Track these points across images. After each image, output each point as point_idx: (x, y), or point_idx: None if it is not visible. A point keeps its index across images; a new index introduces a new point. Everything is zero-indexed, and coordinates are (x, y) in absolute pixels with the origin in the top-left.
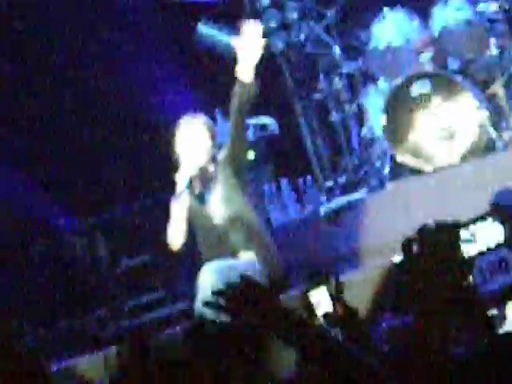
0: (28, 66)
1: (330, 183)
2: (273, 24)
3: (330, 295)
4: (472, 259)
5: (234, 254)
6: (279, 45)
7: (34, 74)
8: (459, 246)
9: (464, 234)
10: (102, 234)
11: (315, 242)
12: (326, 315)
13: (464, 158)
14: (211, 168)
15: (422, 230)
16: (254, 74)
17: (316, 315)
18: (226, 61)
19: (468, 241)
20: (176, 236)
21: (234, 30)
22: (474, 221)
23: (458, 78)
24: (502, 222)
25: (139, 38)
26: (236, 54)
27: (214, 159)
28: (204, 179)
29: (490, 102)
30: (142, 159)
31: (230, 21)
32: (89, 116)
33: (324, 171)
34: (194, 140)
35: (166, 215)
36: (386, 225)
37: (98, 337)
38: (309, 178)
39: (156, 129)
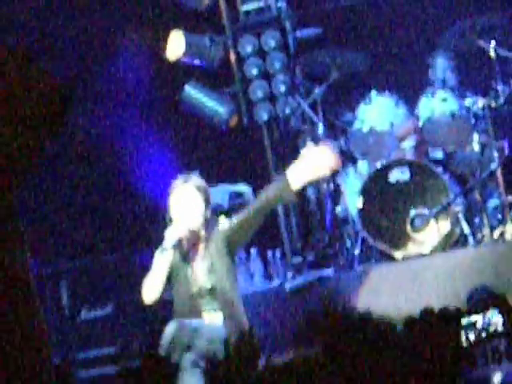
0: None
1: (298, 259)
2: (260, 94)
3: None
4: (470, 347)
5: (202, 315)
6: (263, 115)
7: None
8: (459, 332)
9: (465, 320)
10: (64, 282)
11: (278, 316)
12: None
13: (435, 250)
14: (202, 231)
15: (425, 313)
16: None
17: None
18: (211, 125)
19: (468, 327)
20: (152, 289)
21: (221, 96)
22: (475, 310)
23: (438, 169)
24: (501, 313)
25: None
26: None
27: (206, 222)
28: (192, 241)
29: (467, 197)
30: (114, 216)
31: (218, 87)
32: (68, 173)
33: (294, 246)
34: (185, 202)
35: (130, 272)
36: (351, 305)
37: None
38: (278, 251)
39: (132, 189)
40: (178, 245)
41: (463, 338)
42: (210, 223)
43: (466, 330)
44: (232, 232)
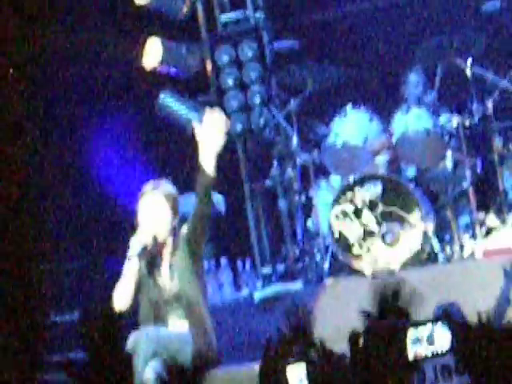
0: None
1: (268, 269)
2: (235, 105)
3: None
4: (417, 361)
5: (167, 323)
6: (238, 126)
7: None
8: (405, 346)
9: (412, 334)
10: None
11: (245, 326)
12: None
13: (404, 266)
14: (169, 239)
15: (370, 326)
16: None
17: None
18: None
19: (415, 342)
20: (121, 296)
21: (196, 105)
22: (424, 323)
23: (410, 186)
24: (451, 329)
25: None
26: (197, 138)
27: (174, 231)
28: (158, 249)
29: (438, 214)
30: (84, 222)
31: (193, 95)
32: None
33: (264, 257)
34: (152, 210)
35: (99, 278)
36: (319, 319)
37: None
38: (248, 261)
39: (103, 195)
40: (143, 253)
41: (409, 352)
42: (177, 231)
43: (413, 343)
44: (188, 231)
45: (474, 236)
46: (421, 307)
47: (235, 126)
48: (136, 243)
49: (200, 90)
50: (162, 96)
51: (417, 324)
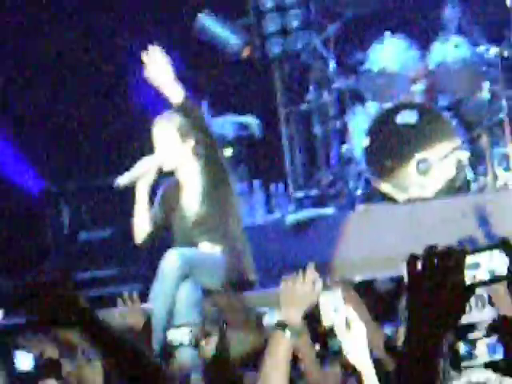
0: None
1: (300, 194)
2: (273, 28)
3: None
4: (474, 286)
5: (199, 245)
6: (275, 49)
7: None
8: (463, 270)
9: (470, 259)
10: (66, 202)
11: (277, 249)
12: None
13: (437, 194)
14: (192, 164)
15: (429, 250)
16: None
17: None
18: (221, 54)
19: (473, 267)
20: (137, 227)
21: (235, 27)
22: (481, 249)
23: (446, 115)
24: (507, 255)
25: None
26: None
27: (197, 155)
28: (180, 174)
29: (473, 144)
30: (119, 140)
31: (232, 18)
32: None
33: (297, 181)
34: (162, 140)
35: (131, 195)
36: (350, 245)
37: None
38: (281, 184)
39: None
40: (135, 180)
41: (467, 278)
42: (200, 155)
43: (470, 269)
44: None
45: (507, 167)
46: (452, 236)
47: (273, 49)
48: (136, 168)
49: (238, 12)
50: (200, 18)
51: (476, 250)
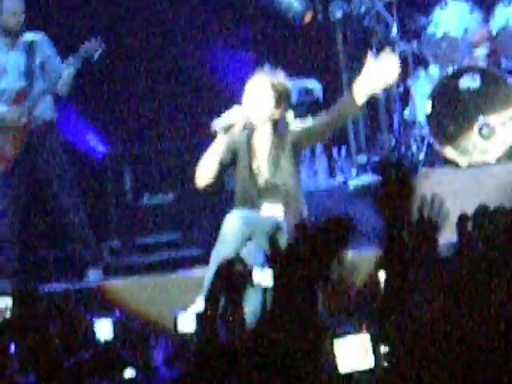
0: None
1: (363, 158)
2: None
3: None
4: None
5: (262, 207)
6: (338, 13)
7: None
8: None
9: None
10: (129, 166)
11: (339, 213)
12: None
13: (499, 159)
14: (270, 129)
15: (480, 211)
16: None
17: None
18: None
19: None
20: (202, 172)
21: None
22: None
23: (510, 79)
24: None
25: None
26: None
27: (275, 121)
28: (257, 136)
29: None
30: (185, 105)
31: None
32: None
33: (359, 145)
34: (255, 95)
35: (194, 159)
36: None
37: (108, 266)
38: (343, 148)
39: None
40: (228, 130)
41: None
42: (280, 121)
43: None
44: (299, 138)
45: None
46: None
47: (335, 12)
48: (225, 117)
49: None
50: None
51: None
